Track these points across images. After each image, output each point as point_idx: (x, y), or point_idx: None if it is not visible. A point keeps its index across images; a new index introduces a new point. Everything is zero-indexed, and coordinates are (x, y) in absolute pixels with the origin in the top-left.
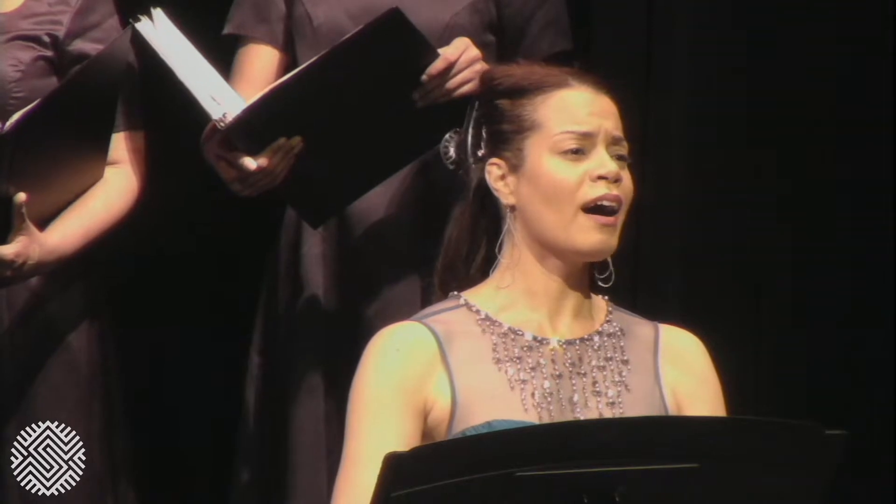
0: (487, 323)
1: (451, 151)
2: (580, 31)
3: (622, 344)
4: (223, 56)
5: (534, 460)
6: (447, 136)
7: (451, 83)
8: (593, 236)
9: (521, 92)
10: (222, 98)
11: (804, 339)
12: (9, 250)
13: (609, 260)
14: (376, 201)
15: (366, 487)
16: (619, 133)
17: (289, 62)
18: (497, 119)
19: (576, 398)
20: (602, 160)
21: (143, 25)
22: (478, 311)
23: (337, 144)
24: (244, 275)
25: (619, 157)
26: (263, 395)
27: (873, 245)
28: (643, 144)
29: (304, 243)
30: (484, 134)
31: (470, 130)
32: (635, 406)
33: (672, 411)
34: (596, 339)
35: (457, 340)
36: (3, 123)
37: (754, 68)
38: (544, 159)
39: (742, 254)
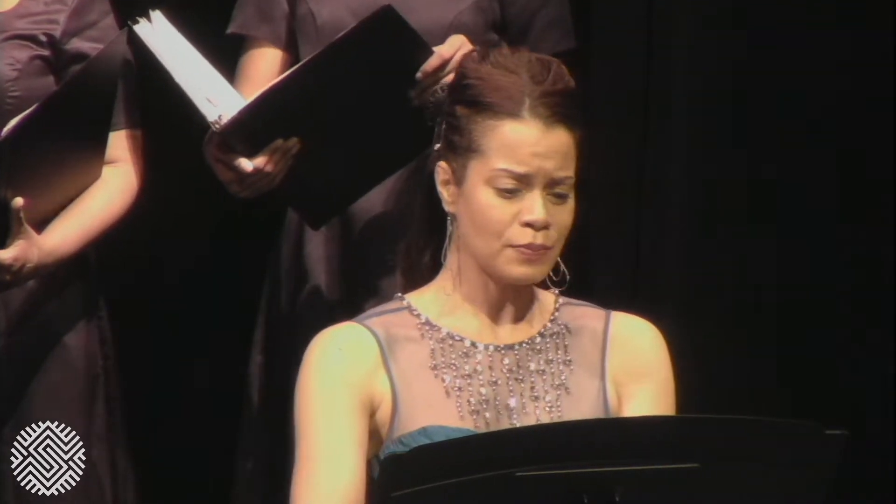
0: (427, 328)
1: (433, 106)
2: (579, 30)
3: (566, 343)
4: (227, 56)
5: (534, 460)
6: (440, 87)
7: (447, 80)
8: (517, 269)
9: (478, 107)
10: (219, 100)
11: (804, 339)
12: (7, 254)
13: (559, 260)
14: (380, 200)
15: (324, 484)
16: (561, 173)
17: (292, 61)
18: (453, 126)
19: (512, 404)
20: (533, 205)
21: (142, 28)
22: (418, 315)
23: (335, 144)
24: (246, 274)
25: (558, 195)
26: (265, 394)
27: (874, 243)
28: (643, 145)
29: (308, 243)
30: (443, 132)
31: (438, 121)
32: (575, 409)
33: (613, 407)
34: (538, 341)
35: (397, 345)
36: (1, 127)
37: (755, 68)
38: (480, 189)
39: (742, 254)
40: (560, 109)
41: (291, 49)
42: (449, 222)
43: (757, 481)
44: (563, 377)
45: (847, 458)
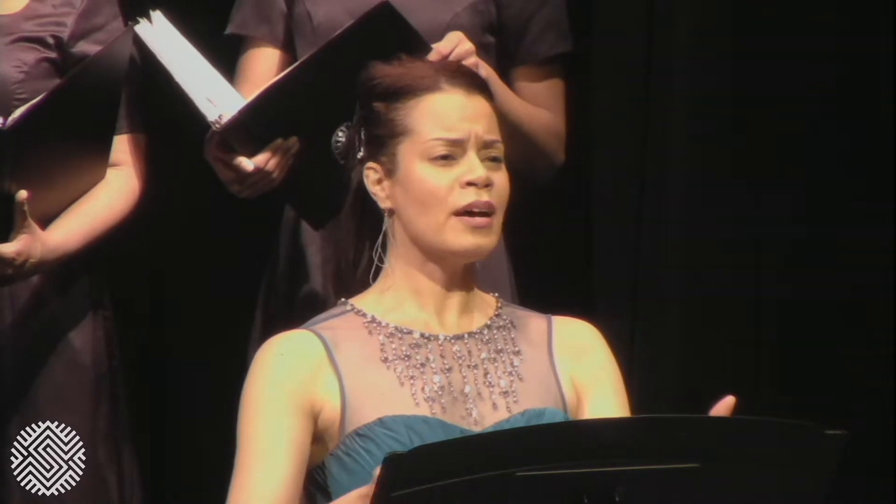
0: (374, 325)
1: (342, 147)
2: (580, 32)
3: (513, 336)
4: (226, 56)
5: (534, 460)
6: (340, 129)
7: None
8: (466, 239)
9: (395, 95)
10: (218, 99)
11: (804, 339)
12: (10, 248)
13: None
14: None
15: (256, 488)
16: (491, 136)
17: (291, 61)
18: (373, 122)
19: (467, 390)
20: (472, 166)
21: (142, 28)
22: (364, 315)
23: None
24: (244, 274)
25: (492, 159)
26: None
27: (874, 237)
28: (643, 145)
29: (306, 245)
30: (363, 136)
31: (353, 132)
32: (529, 395)
33: (570, 400)
34: (485, 332)
35: (344, 343)
36: (4, 120)
37: (755, 68)
38: (416, 165)
39: (743, 255)
40: (475, 81)
41: (290, 49)
42: (385, 220)
43: (757, 481)
44: (514, 365)
45: (847, 458)
